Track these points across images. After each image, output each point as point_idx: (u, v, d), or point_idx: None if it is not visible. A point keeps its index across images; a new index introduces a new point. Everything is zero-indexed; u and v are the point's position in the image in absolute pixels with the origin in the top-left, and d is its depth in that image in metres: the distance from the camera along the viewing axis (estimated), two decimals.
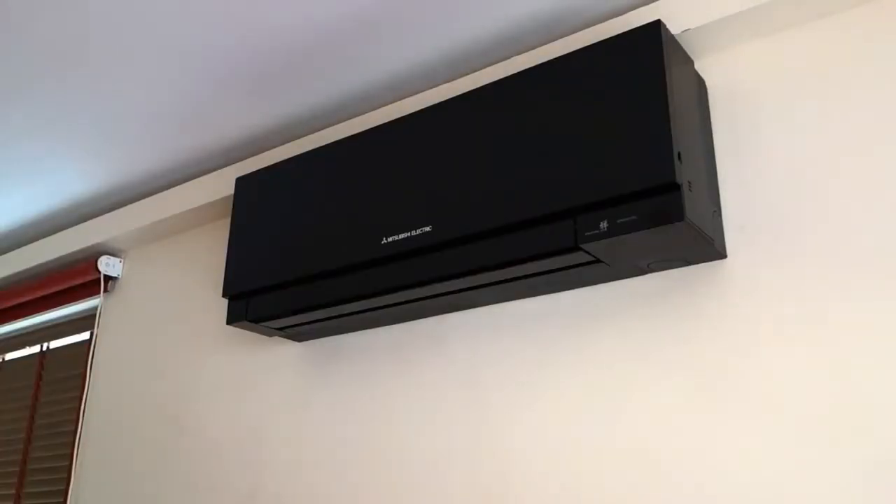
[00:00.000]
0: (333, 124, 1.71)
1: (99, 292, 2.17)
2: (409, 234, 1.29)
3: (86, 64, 1.50)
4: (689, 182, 1.09)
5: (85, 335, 2.28)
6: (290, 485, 1.59)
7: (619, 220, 1.08)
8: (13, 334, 2.56)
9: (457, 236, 1.24)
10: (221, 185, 1.86)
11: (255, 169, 1.68)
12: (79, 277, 2.18)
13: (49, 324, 2.44)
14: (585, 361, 1.28)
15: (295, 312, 1.46)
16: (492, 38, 1.42)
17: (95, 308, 2.24)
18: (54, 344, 2.38)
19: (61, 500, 2.09)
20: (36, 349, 2.43)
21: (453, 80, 1.53)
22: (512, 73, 1.30)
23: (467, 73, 1.52)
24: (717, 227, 1.18)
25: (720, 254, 1.19)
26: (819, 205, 1.14)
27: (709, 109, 1.27)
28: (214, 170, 1.93)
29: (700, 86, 1.26)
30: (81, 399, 2.13)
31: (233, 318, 1.55)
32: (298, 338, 1.65)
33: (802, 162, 1.17)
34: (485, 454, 1.35)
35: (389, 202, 1.35)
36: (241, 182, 1.65)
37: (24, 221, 2.24)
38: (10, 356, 2.54)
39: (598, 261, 1.18)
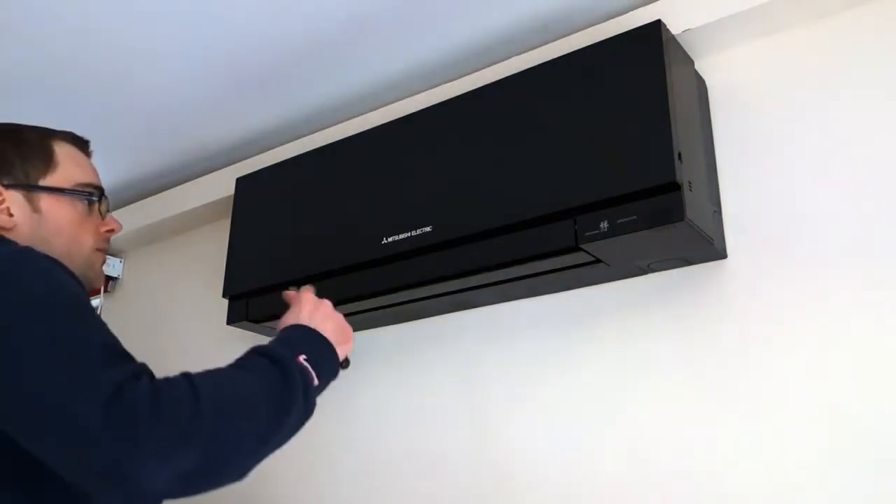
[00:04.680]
0: (333, 124, 1.71)
1: (99, 292, 2.17)
2: (409, 234, 1.29)
3: (85, 65, 1.50)
4: (690, 182, 1.09)
5: None
6: (290, 484, 1.59)
7: (619, 221, 1.08)
8: None
9: (457, 236, 1.23)
10: (221, 185, 1.86)
11: (255, 169, 1.68)
12: None
13: None
14: (585, 361, 1.28)
15: None
16: (492, 38, 1.42)
17: (95, 308, 2.24)
18: None
19: None
20: None
21: (453, 80, 1.53)
22: (512, 72, 1.30)
23: (467, 73, 1.52)
24: (717, 227, 1.18)
25: (720, 254, 1.19)
26: (819, 204, 1.14)
27: (709, 109, 1.27)
28: (214, 170, 1.93)
29: (700, 86, 1.26)
30: None
31: (233, 318, 1.55)
32: None
33: (803, 161, 1.17)
34: (485, 454, 1.35)
35: (389, 202, 1.35)
36: (241, 182, 1.65)
37: None
38: None
39: (598, 261, 1.18)
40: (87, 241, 1.03)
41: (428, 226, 1.27)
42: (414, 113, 1.41)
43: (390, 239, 1.31)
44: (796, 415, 1.08)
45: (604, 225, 1.10)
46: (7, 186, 0.97)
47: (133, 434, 0.68)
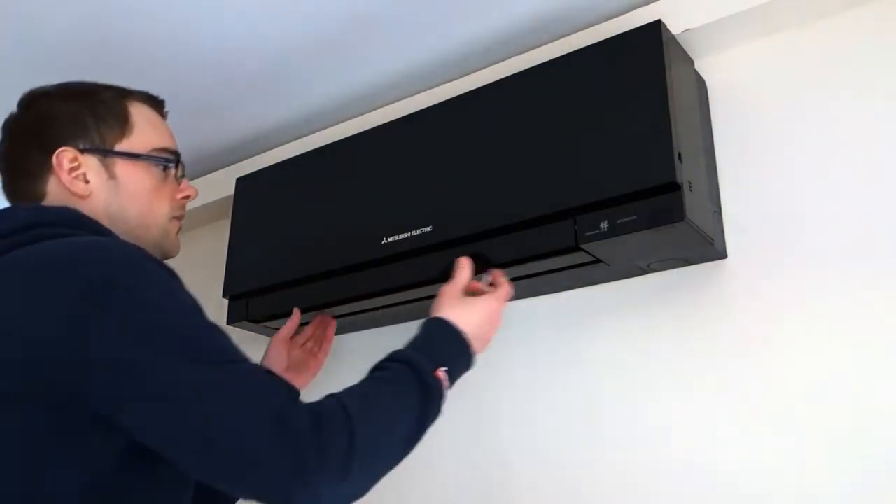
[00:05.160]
0: (333, 124, 1.71)
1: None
2: (409, 234, 1.29)
3: (84, 65, 1.50)
4: (690, 182, 1.09)
5: None
6: None
7: (619, 220, 1.08)
8: None
9: (457, 236, 1.23)
10: (221, 185, 1.86)
11: (255, 169, 1.68)
12: None
13: None
14: (585, 362, 1.28)
15: None
16: (492, 38, 1.42)
17: None
18: None
19: None
20: None
21: (453, 80, 1.53)
22: (512, 72, 1.30)
23: (467, 73, 1.52)
24: (718, 227, 1.18)
25: (720, 254, 1.19)
26: (819, 205, 1.14)
27: (709, 109, 1.27)
28: (214, 170, 1.93)
29: (700, 86, 1.26)
30: None
31: (233, 318, 1.55)
32: None
33: (803, 162, 1.17)
34: (484, 454, 1.35)
35: (389, 202, 1.35)
36: (241, 182, 1.65)
37: None
38: None
39: (598, 261, 1.18)
40: (164, 208, 0.98)
41: (428, 226, 1.27)
42: (414, 113, 1.41)
43: (390, 239, 1.31)
44: (796, 415, 1.08)
45: (604, 225, 1.10)
46: (83, 151, 0.92)
47: (299, 462, 0.70)
